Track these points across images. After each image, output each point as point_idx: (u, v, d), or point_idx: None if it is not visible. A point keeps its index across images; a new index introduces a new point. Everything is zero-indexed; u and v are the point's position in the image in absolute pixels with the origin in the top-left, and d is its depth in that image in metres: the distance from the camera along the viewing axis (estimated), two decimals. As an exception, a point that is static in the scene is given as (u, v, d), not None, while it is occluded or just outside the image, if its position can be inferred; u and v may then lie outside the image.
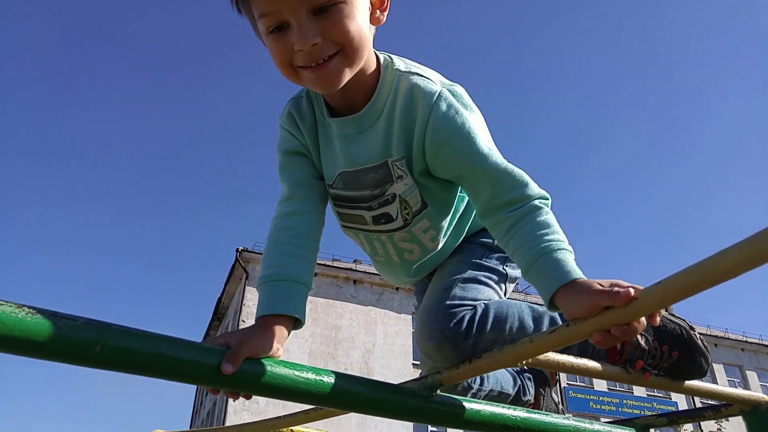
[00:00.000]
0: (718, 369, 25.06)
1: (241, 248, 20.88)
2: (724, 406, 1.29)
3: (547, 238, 0.96)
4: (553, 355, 1.01)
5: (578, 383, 22.65)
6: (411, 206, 1.19)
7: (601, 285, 0.82)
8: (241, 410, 18.20)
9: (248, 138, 50.31)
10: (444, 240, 1.29)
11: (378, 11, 1.07)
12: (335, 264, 21.49)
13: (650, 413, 1.47)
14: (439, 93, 1.07)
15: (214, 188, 53.88)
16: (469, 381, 1.30)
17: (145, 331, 0.82)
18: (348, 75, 1.02)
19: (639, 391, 22.90)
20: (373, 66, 1.11)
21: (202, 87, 54.82)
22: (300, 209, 1.16)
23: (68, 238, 51.97)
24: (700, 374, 1.20)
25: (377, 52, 1.14)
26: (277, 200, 1.21)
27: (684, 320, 1.25)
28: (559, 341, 0.86)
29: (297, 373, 0.90)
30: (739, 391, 1.24)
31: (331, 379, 0.94)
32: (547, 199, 1.06)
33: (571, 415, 1.31)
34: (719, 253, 0.62)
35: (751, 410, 1.23)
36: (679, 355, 1.18)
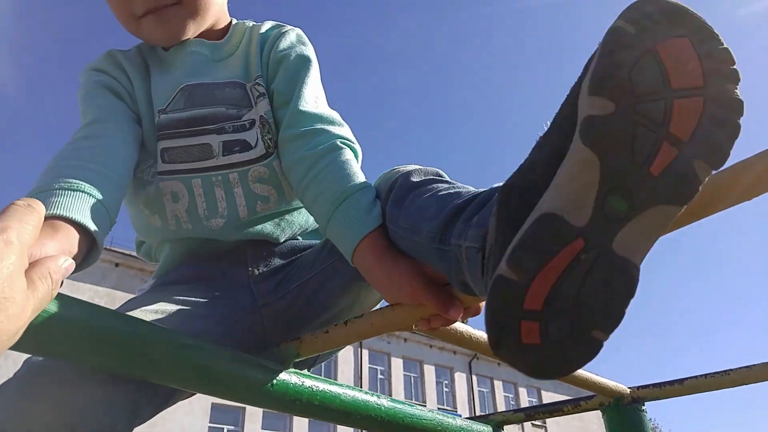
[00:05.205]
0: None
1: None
2: (583, 399, 1.22)
3: (348, 182, 0.80)
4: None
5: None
6: (274, 130, 0.95)
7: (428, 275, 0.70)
8: None
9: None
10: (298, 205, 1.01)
11: None
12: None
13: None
14: (294, 28, 1.08)
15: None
16: None
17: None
18: (191, 28, 0.98)
19: (431, 404, 24.62)
20: (223, 25, 1.07)
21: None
22: (107, 133, 0.86)
23: None
24: None
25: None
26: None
27: None
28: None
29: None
30: (600, 379, 1.15)
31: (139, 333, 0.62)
32: (353, 142, 0.90)
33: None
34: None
35: (612, 403, 1.16)
36: None
